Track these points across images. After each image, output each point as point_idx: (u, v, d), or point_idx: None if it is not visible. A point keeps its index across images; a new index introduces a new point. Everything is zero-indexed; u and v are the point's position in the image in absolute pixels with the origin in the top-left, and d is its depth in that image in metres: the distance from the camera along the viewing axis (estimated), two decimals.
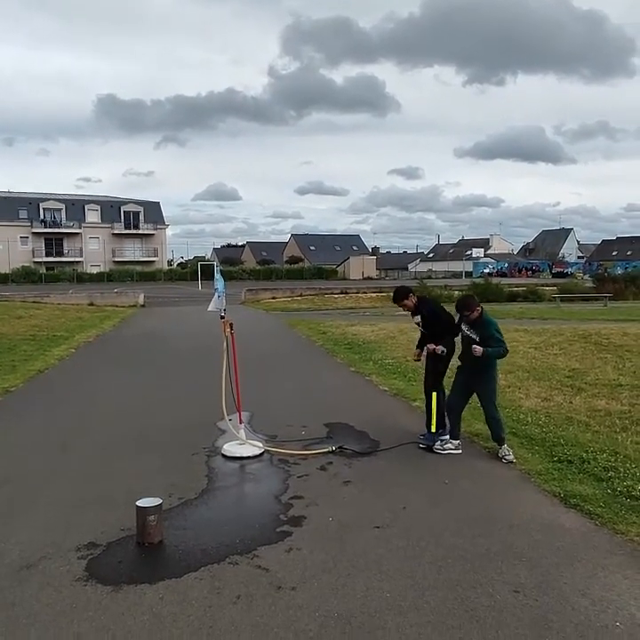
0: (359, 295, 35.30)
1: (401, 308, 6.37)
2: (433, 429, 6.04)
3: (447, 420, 6.12)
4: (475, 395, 6.00)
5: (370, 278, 68.15)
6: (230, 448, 5.93)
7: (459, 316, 5.82)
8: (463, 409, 6.04)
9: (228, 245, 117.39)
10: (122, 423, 7.11)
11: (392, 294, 6.45)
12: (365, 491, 4.95)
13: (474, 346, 5.62)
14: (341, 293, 35.66)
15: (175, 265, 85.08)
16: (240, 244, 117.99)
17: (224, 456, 5.83)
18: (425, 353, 6.29)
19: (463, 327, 5.81)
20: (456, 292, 34.02)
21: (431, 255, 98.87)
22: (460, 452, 5.89)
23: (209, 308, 6.24)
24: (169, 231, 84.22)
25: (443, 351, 5.90)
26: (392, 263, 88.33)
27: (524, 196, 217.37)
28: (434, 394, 6.06)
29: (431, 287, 32.92)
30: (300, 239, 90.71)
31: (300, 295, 34.37)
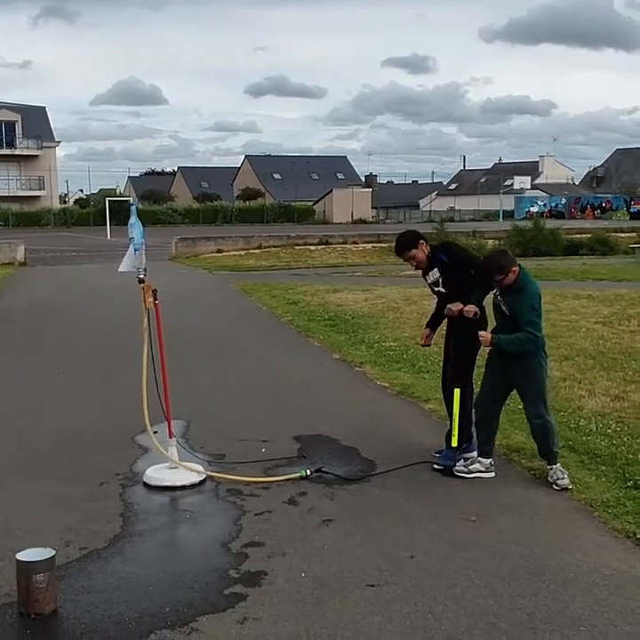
0: (347, 247, 35.32)
1: (408, 264, 6.40)
2: (454, 443, 6.13)
3: (474, 430, 6.21)
4: (515, 392, 6.09)
5: (362, 221, 68.13)
6: (156, 474, 5.96)
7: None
8: (499, 413, 6.13)
9: (151, 173, 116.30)
10: None
11: (394, 244, 6.47)
12: (354, 533, 5.02)
13: (481, 334, 5.79)
14: (320, 244, 35.68)
15: (71, 202, 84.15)
16: (168, 170, 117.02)
17: (147, 485, 5.87)
18: (439, 329, 6.37)
19: (496, 293, 5.88)
20: (490, 242, 34.36)
21: (453, 187, 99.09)
22: (493, 475, 6.00)
23: (121, 268, 6.20)
24: (60, 151, 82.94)
25: (476, 314, 5.92)
26: (395, 198, 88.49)
27: (587, 99, 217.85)
28: (456, 390, 6.13)
29: (453, 234, 33.12)
30: (258, 163, 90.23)
31: (260, 247, 34.31)
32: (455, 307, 6.02)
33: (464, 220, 71.64)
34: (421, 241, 6.28)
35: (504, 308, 5.80)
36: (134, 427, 7.03)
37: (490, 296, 6.05)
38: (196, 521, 5.31)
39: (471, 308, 5.91)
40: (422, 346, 6.83)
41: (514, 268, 5.70)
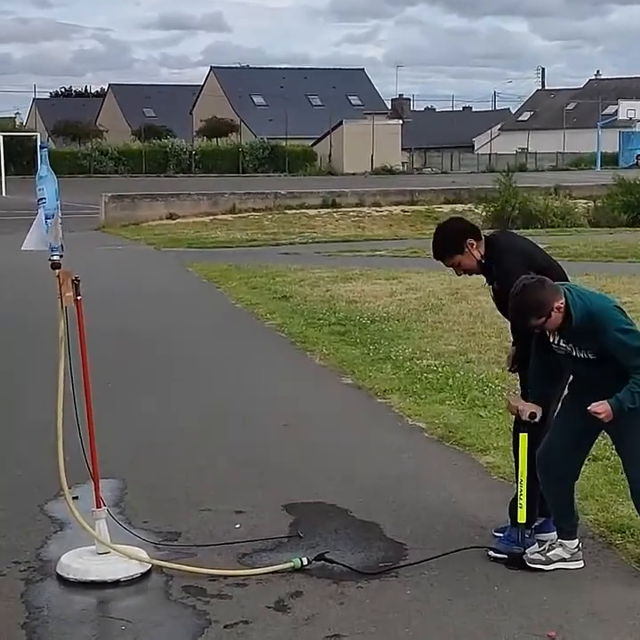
0: (364, 211, 35.33)
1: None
2: (521, 518, 6.16)
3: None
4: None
5: (388, 171, 68.11)
6: (76, 562, 5.96)
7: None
8: (577, 472, 6.18)
9: (68, 93, 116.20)
10: None
11: (432, 241, 6.48)
12: None
13: (592, 407, 5.69)
14: (324, 207, 35.68)
15: None
16: (94, 89, 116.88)
17: (63, 580, 5.88)
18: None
19: (553, 340, 5.87)
20: (580, 204, 34.32)
21: (526, 117, 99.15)
22: (582, 565, 6.02)
23: (26, 245, 6.19)
24: None
25: (533, 416, 6.05)
26: (438, 135, 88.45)
27: None
28: (522, 436, 6.16)
29: (525, 192, 33.06)
30: (230, 80, 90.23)
31: (233, 210, 34.35)
32: (514, 402, 6.21)
33: (542, 168, 71.64)
34: (470, 240, 6.24)
35: (580, 354, 5.78)
36: (44, 489, 7.08)
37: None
38: (136, 635, 5.31)
39: (525, 409, 6.04)
40: (511, 372, 6.81)
41: (558, 303, 5.64)
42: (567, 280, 6.23)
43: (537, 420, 6.03)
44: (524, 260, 6.24)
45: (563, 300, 5.65)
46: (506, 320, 6.52)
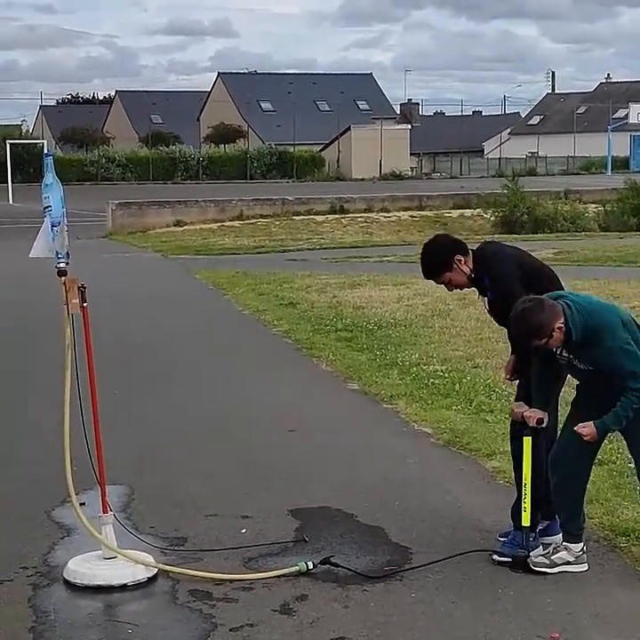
0: (372, 216, 35.25)
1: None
2: (525, 521, 6.18)
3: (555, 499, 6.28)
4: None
5: (397, 176, 68.07)
6: (83, 567, 5.99)
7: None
8: (588, 473, 6.21)
9: (75, 100, 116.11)
10: None
11: (420, 260, 6.49)
12: None
13: (578, 428, 5.80)
14: (332, 213, 35.59)
15: None
16: (101, 96, 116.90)
17: (70, 584, 5.92)
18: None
19: (556, 350, 5.89)
20: (591, 208, 34.20)
21: (536, 121, 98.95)
22: (586, 568, 6.05)
23: (34, 252, 6.21)
24: None
25: (540, 421, 6.07)
26: (447, 140, 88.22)
27: None
28: (527, 440, 6.20)
29: (535, 196, 33.01)
30: (238, 86, 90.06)
31: (240, 217, 34.30)
32: (518, 408, 6.21)
33: (552, 172, 71.57)
34: (458, 257, 6.24)
35: (580, 365, 5.84)
36: (51, 495, 7.12)
37: None
38: (142, 639, 5.35)
39: (532, 416, 6.04)
40: (510, 380, 6.85)
41: (558, 324, 5.63)
42: (558, 281, 6.34)
43: (545, 425, 6.06)
44: (512, 262, 6.31)
45: (562, 320, 5.64)
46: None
